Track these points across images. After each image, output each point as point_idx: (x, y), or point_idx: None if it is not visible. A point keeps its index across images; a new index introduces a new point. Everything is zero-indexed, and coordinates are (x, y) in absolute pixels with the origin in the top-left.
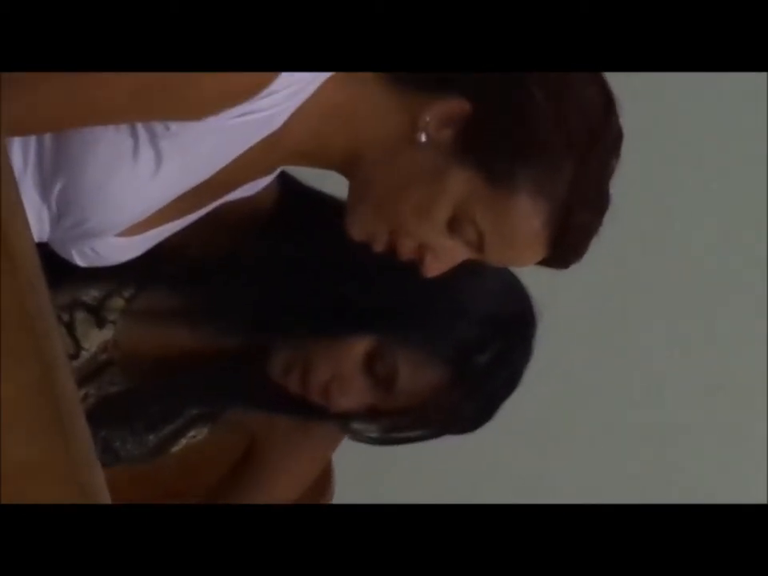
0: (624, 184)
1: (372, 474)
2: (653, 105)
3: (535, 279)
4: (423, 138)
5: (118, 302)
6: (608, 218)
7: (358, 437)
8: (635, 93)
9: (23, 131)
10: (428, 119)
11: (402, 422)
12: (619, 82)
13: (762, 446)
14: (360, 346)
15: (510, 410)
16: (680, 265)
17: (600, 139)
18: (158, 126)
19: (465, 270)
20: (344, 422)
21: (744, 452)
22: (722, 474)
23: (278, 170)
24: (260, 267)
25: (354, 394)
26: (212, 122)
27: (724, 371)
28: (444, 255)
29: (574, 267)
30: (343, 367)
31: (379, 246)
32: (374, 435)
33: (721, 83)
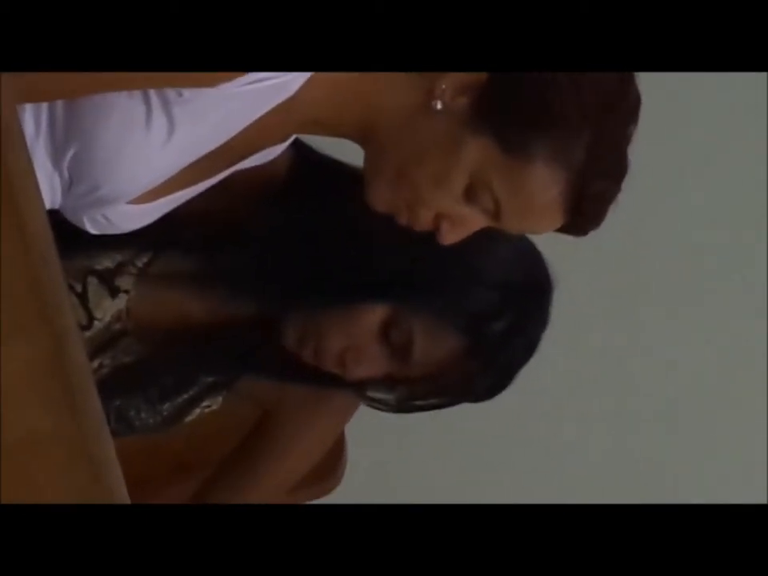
0: (641, 154)
1: (377, 473)
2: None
3: (552, 247)
4: (439, 106)
5: (131, 271)
6: (626, 185)
7: (374, 405)
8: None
9: (35, 98)
10: (444, 87)
11: (418, 390)
12: None
13: (762, 446)
14: (375, 315)
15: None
16: (695, 241)
17: (616, 106)
18: (171, 93)
19: (481, 237)
20: (360, 390)
21: (744, 452)
22: (722, 474)
23: (292, 138)
24: (273, 235)
25: (370, 362)
26: (225, 89)
27: (725, 370)
28: (461, 223)
29: (592, 234)
30: (358, 336)
31: (402, 218)
32: (390, 404)
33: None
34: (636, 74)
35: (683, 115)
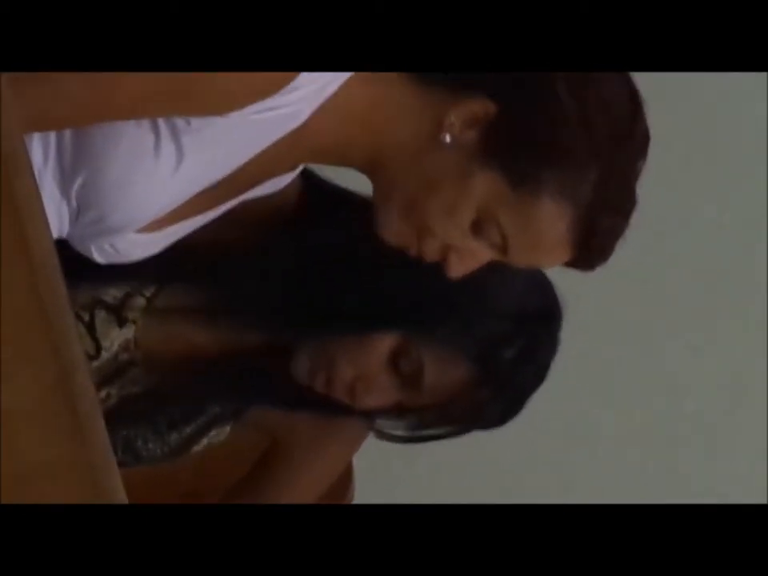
0: (648, 186)
1: (388, 474)
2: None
3: (560, 274)
4: (447, 139)
5: (138, 301)
6: (634, 219)
7: (383, 436)
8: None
9: (43, 127)
10: (453, 120)
11: (428, 419)
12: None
13: (762, 446)
14: (385, 344)
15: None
16: (700, 269)
17: (625, 141)
18: (180, 122)
19: (490, 265)
20: (369, 418)
21: (744, 452)
22: (722, 473)
23: (300, 168)
24: (282, 265)
25: (380, 392)
26: (234, 118)
27: (726, 371)
28: (468, 256)
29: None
30: (368, 365)
31: (413, 250)
32: (399, 434)
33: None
34: (645, 109)
35: (688, 142)
